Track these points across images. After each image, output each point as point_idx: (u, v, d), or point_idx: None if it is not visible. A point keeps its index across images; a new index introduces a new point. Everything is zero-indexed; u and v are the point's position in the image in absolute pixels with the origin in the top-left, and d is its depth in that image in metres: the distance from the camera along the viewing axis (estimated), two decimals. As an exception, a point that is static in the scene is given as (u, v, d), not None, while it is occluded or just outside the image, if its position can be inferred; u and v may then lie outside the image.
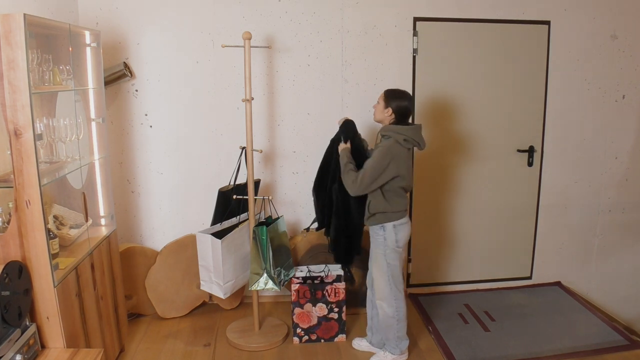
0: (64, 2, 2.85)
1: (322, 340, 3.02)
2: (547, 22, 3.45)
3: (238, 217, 3.04)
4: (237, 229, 2.91)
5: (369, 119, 2.72)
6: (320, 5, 3.21)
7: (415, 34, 3.32)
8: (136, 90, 3.19)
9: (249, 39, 2.72)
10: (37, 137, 1.92)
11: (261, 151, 3.10)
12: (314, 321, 2.99)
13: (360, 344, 2.94)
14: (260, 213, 3.07)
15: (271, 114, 3.31)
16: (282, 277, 2.88)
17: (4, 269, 1.81)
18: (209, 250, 2.80)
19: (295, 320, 2.98)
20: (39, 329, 2.02)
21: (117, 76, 3.05)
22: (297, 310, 2.97)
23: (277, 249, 2.84)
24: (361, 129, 2.83)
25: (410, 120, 2.62)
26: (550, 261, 3.82)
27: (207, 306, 3.43)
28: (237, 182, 3.01)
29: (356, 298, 3.29)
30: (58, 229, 2.33)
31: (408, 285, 3.68)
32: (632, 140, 3.73)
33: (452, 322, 3.25)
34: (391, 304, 2.66)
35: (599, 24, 3.50)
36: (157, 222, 3.37)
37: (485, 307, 3.45)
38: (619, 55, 3.57)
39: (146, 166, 3.29)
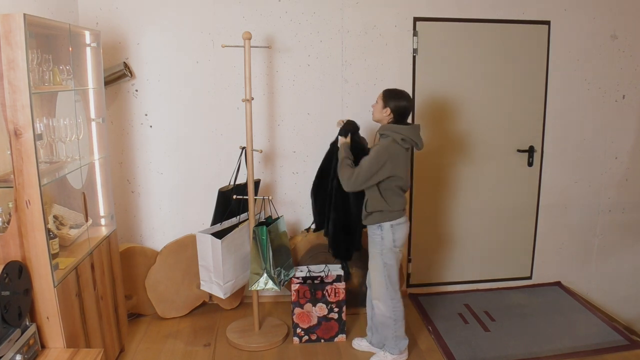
0: (64, 2, 2.85)
1: (322, 340, 3.02)
2: (547, 22, 3.45)
3: (238, 217, 3.04)
4: (237, 229, 2.91)
5: (369, 119, 2.72)
6: (320, 5, 3.21)
7: (415, 34, 3.32)
8: (136, 90, 3.19)
9: (249, 39, 2.72)
10: (37, 137, 1.92)
11: (261, 151, 3.10)
12: (314, 321, 2.99)
13: (360, 344, 2.94)
14: (260, 213, 3.07)
15: (271, 114, 3.31)
16: (282, 277, 2.88)
17: (4, 269, 1.81)
18: (209, 250, 2.80)
19: (295, 320, 2.98)
20: (39, 329, 2.02)
21: (117, 76, 3.05)
22: (297, 310, 2.97)
23: (277, 249, 2.84)
24: (361, 129, 2.83)
25: (409, 120, 2.63)
26: (550, 261, 3.82)
27: (207, 306, 3.43)
28: (237, 182, 3.01)
29: (356, 298, 3.29)
30: (58, 229, 2.33)
31: (408, 285, 3.68)
32: (632, 140, 3.73)
33: (452, 322, 3.25)
34: (387, 304, 2.67)
35: (599, 24, 3.50)
36: (157, 222, 3.37)
37: (485, 307, 3.45)
38: (619, 55, 3.57)
39: (146, 166, 3.29)
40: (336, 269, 3.04)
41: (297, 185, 3.41)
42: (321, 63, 3.27)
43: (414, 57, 3.36)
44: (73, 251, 2.33)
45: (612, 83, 3.61)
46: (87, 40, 2.53)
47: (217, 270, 2.83)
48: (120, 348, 2.81)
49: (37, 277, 1.99)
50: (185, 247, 3.25)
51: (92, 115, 2.63)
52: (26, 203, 1.93)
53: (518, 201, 3.69)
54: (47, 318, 2.03)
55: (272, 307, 3.43)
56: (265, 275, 2.78)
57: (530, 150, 3.61)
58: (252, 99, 2.81)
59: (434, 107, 3.45)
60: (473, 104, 3.48)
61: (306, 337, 3.00)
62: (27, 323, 1.96)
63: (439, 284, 3.74)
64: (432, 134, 3.47)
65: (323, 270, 3.02)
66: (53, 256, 2.03)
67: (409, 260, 3.65)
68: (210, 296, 3.39)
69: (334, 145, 2.82)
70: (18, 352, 1.84)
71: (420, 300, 3.55)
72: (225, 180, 3.15)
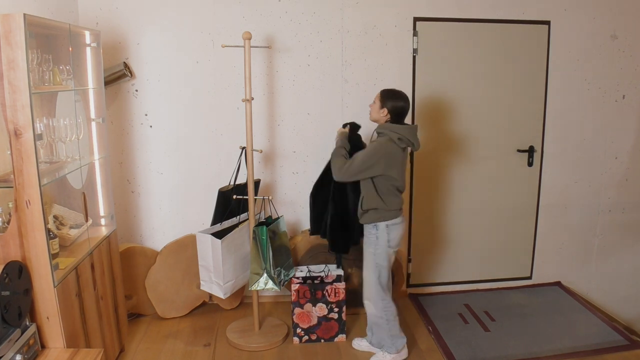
0: (64, 2, 2.86)
1: (322, 340, 3.02)
2: (547, 22, 3.45)
3: (238, 217, 3.04)
4: (237, 229, 2.91)
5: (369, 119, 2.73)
6: (320, 5, 3.21)
7: (415, 34, 3.32)
8: (136, 90, 3.19)
9: (249, 39, 2.72)
10: (37, 137, 1.92)
11: (261, 151, 3.11)
12: (314, 321, 2.99)
13: (360, 344, 2.94)
14: (260, 213, 3.07)
15: (271, 114, 3.31)
16: (282, 277, 2.88)
17: (4, 269, 1.81)
18: (209, 250, 2.80)
19: (295, 320, 2.98)
20: (39, 329, 2.02)
21: (117, 76, 3.05)
22: (297, 310, 2.97)
23: (277, 249, 2.84)
24: (360, 129, 2.84)
25: (407, 121, 2.63)
26: (550, 261, 3.82)
27: (207, 306, 3.43)
28: (237, 182, 3.01)
29: (356, 298, 3.28)
30: (58, 229, 2.33)
31: (408, 285, 3.69)
32: (632, 140, 3.73)
33: (452, 322, 3.25)
34: (377, 305, 2.68)
35: (599, 24, 3.50)
36: (157, 222, 3.37)
37: (485, 307, 3.45)
38: (619, 55, 3.57)
39: (146, 166, 3.29)
40: (336, 269, 3.04)
41: (297, 185, 3.41)
42: (321, 63, 3.27)
43: (414, 57, 3.36)
44: (73, 251, 2.33)
45: (612, 83, 3.61)
46: (87, 40, 2.53)
47: (217, 270, 2.83)
48: (120, 348, 2.81)
49: (37, 277, 1.99)
50: (185, 247, 3.25)
51: (92, 115, 2.63)
52: (26, 203, 1.93)
53: (518, 201, 3.69)
54: (47, 318, 2.03)
55: (272, 307, 3.43)
56: (265, 275, 2.78)
57: (530, 150, 3.61)
58: (252, 99, 2.82)
59: (434, 107, 3.45)
60: (473, 104, 3.48)
61: (306, 337, 3.00)
62: (27, 323, 1.96)
63: (439, 284, 3.74)
64: (432, 133, 3.47)
65: (323, 270, 3.02)
66: (53, 256, 2.03)
67: (409, 260, 3.65)
68: (210, 296, 3.39)
69: None
70: (18, 352, 1.84)
71: (420, 300, 3.55)
72: (225, 180, 3.15)
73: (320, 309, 2.98)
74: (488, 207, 3.67)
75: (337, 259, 3.07)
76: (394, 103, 2.54)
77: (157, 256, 3.24)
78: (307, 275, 2.99)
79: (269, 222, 2.87)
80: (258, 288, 2.80)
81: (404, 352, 2.79)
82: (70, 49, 2.35)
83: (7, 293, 1.80)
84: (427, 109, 3.45)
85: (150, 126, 3.24)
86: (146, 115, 3.22)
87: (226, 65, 3.19)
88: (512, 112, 3.55)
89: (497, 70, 3.47)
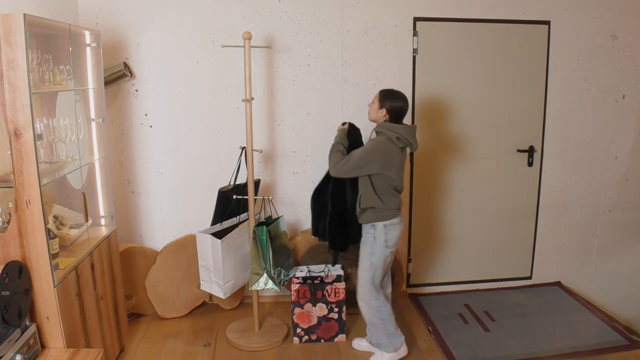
0: (64, 2, 2.86)
1: (322, 340, 3.02)
2: (547, 22, 3.45)
3: (238, 217, 3.04)
4: (237, 229, 2.91)
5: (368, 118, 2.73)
6: (320, 5, 3.21)
7: (415, 34, 3.32)
8: (136, 90, 3.19)
9: (249, 39, 2.72)
10: (37, 137, 1.92)
11: (261, 151, 3.11)
12: (314, 321, 2.99)
13: (360, 344, 2.94)
14: (260, 213, 3.07)
15: (271, 114, 3.31)
16: (282, 277, 2.88)
17: (4, 269, 1.81)
18: (209, 250, 2.80)
19: (295, 320, 2.98)
20: (39, 329, 2.02)
21: (117, 76, 3.05)
22: (297, 310, 2.97)
23: (277, 249, 2.84)
24: (361, 128, 2.84)
25: (406, 121, 2.63)
26: (550, 261, 3.82)
27: (207, 306, 3.43)
28: (237, 182, 3.01)
29: (356, 298, 3.29)
30: (58, 229, 2.33)
31: (408, 285, 3.69)
32: (632, 140, 3.73)
33: (452, 322, 3.25)
34: (370, 304, 2.68)
35: (599, 24, 3.50)
36: (157, 222, 3.37)
37: (485, 307, 3.45)
38: (619, 55, 3.57)
39: (146, 166, 3.29)
40: (336, 269, 3.04)
41: (297, 185, 3.41)
42: (321, 63, 3.27)
43: (414, 57, 3.36)
44: (73, 251, 2.33)
45: (612, 83, 3.61)
46: (87, 40, 2.53)
47: (217, 270, 2.83)
48: (120, 348, 2.81)
49: (37, 277, 1.99)
50: (185, 247, 3.25)
51: (92, 115, 2.63)
52: (26, 203, 1.93)
53: (518, 201, 3.69)
54: (47, 318, 2.03)
55: (272, 307, 3.43)
56: (265, 275, 2.78)
57: (530, 150, 3.61)
58: (252, 99, 2.82)
59: (434, 107, 3.45)
60: (473, 104, 3.48)
61: (306, 337, 3.00)
62: (27, 323, 1.96)
63: (439, 284, 3.74)
64: (433, 133, 3.47)
65: (323, 270, 3.02)
66: (53, 256, 2.03)
67: (409, 260, 3.65)
68: (210, 296, 3.39)
69: None
70: (18, 352, 1.84)
71: (420, 300, 3.55)
72: (225, 180, 3.15)
73: (320, 309, 2.98)
74: (488, 207, 3.67)
75: (334, 257, 3.06)
76: (393, 103, 2.55)
77: (157, 256, 3.24)
78: (307, 275, 2.99)
79: (269, 222, 2.87)
80: (258, 288, 2.80)
81: (403, 350, 2.78)
82: (70, 49, 2.35)
83: (7, 293, 1.80)
84: (427, 109, 3.45)
85: (150, 126, 3.24)
86: (146, 115, 3.22)
87: (226, 65, 3.19)
88: (512, 112, 3.55)
89: (497, 70, 3.47)
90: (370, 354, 2.84)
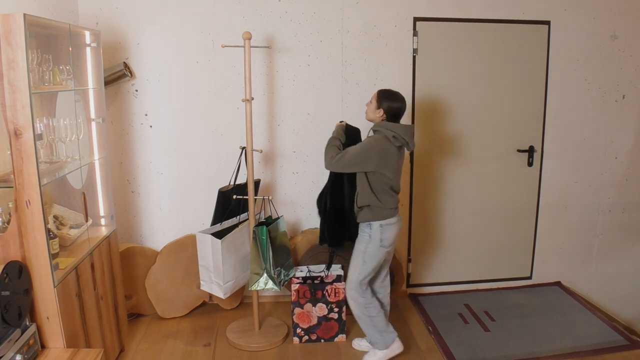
0: (64, 2, 2.86)
1: (322, 340, 3.02)
2: (547, 22, 3.45)
3: (238, 217, 3.04)
4: (237, 229, 2.91)
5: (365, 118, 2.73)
6: (320, 5, 3.21)
7: (415, 34, 3.32)
8: (136, 90, 3.19)
9: (249, 39, 2.72)
10: (37, 137, 1.92)
11: (261, 151, 3.11)
12: (314, 321, 2.99)
13: (360, 344, 2.94)
14: (260, 213, 3.07)
15: (271, 114, 3.31)
16: (282, 277, 2.88)
17: (4, 269, 1.81)
18: (209, 250, 2.80)
19: (295, 320, 2.98)
20: (39, 329, 2.02)
21: (117, 76, 3.05)
22: (297, 310, 2.97)
23: (277, 249, 2.84)
24: (360, 128, 2.84)
25: (406, 120, 2.63)
26: (550, 261, 3.82)
27: (207, 306, 3.43)
28: (237, 182, 3.01)
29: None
30: (58, 229, 2.33)
31: (408, 285, 3.69)
32: (632, 140, 3.73)
33: (452, 322, 3.25)
34: (358, 302, 2.68)
35: (599, 24, 3.50)
36: (157, 222, 3.37)
37: (485, 307, 3.45)
38: (619, 55, 3.57)
39: (146, 166, 3.29)
40: (336, 269, 3.04)
41: (297, 185, 3.41)
42: (321, 63, 3.28)
43: (414, 57, 3.36)
44: (73, 251, 2.33)
45: (612, 83, 3.61)
46: (87, 40, 2.53)
47: (217, 270, 2.83)
48: (120, 348, 2.81)
49: (37, 277, 1.99)
50: (185, 247, 3.25)
51: (92, 115, 2.63)
52: (26, 203, 1.93)
53: (518, 201, 3.69)
54: (47, 318, 2.03)
55: (272, 307, 3.43)
56: (265, 275, 2.78)
57: (530, 150, 3.61)
58: (252, 99, 2.82)
59: (433, 107, 3.45)
60: (473, 104, 3.48)
61: (306, 337, 3.00)
62: (27, 323, 1.96)
63: (439, 284, 3.74)
64: (432, 133, 3.47)
65: (323, 270, 3.02)
66: (53, 256, 2.03)
67: (409, 260, 3.65)
68: (210, 296, 3.39)
69: None
70: (18, 352, 1.84)
71: (420, 300, 3.55)
72: (225, 180, 3.15)
73: (320, 309, 2.98)
74: (488, 207, 3.67)
75: (330, 258, 3.04)
76: (391, 104, 2.55)
77: (157, 256, 3.24)
78: (307, 275, 2.99)
79: (269, 222, 2.87)
80: (258, 288, 2.80)
81: (396, 347, 2.75)
82: (70, 49, 2.35)
83: (7, 293, 1.80)
84: (427, 108, 3.45)
85: (150, 126, 3.24)
86: (146, 115, 3.22)
87: (226, 65, 3.19)
88: (512, 112, 3.55)
89: (497, 70, 3.47)
90: (370, 354, 2.84)
